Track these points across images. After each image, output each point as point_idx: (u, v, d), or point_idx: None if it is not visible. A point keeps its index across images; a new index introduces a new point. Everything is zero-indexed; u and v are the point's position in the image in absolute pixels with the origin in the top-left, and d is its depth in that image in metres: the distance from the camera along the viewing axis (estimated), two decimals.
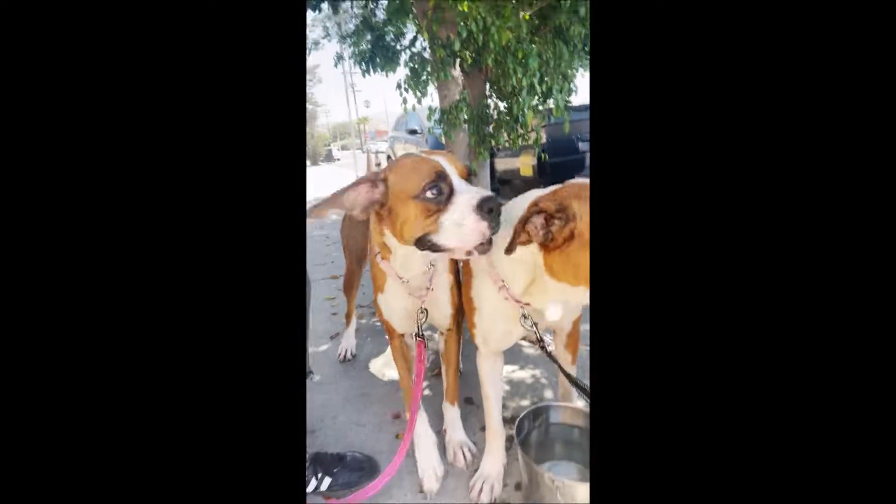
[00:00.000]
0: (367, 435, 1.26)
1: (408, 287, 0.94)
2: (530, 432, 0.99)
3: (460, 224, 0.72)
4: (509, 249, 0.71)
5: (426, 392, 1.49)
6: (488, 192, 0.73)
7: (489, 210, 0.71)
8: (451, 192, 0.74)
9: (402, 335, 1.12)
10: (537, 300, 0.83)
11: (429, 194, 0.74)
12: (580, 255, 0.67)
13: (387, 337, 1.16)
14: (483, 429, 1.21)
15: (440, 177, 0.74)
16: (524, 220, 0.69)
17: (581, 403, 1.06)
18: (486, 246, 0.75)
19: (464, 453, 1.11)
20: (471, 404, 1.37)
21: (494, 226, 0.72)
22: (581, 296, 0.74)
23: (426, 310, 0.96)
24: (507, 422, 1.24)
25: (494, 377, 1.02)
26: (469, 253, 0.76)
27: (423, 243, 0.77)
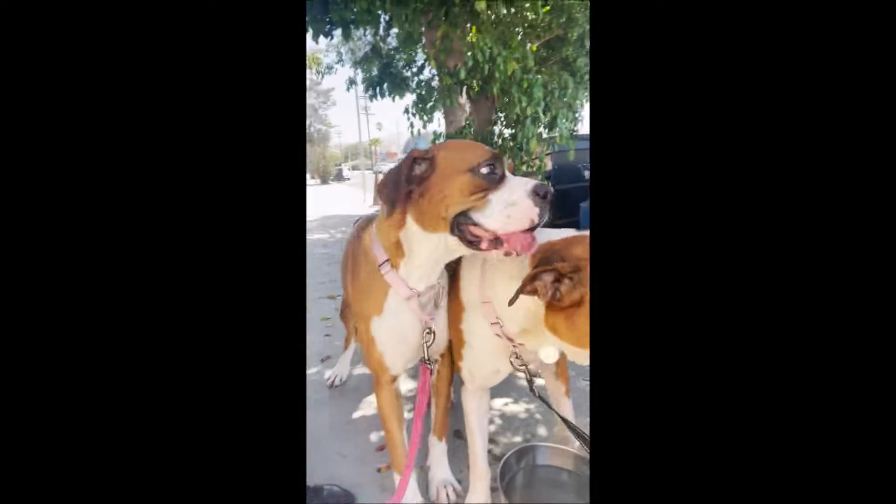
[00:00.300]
0: (348, 467, 1.20)
1: (418, 302, 0.84)
2: (515, 475, 0.93)
3: (512, 203, 0.70)
4: (511, 301, 0.67)
5: (408, 416, 1.43)
6: (541, 181, 0.72)
7: (544, 195, 0.70)
8: (504, 175, 0.74)
9: (395, 378, 0.96)
10: (532, 343, 0.78)
11: (484, 170, 0.72)
12: (586, 321, 0.62)
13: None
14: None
15: (497, 158, 0.74)
16: (532, 276, 0.65)
17: (576, 445, 1.00)
18: (531, 241, 0.71)
19: (447, 493, 1.05)
20: (460, 438, 1.31)
21: (545, 213, 0.71)
22: (581, 357, 0.68)
23: (433, 330, 0.86)
24: (496, 459, 1.18)
25: (480, 414, 0.97)
26: (508, 253, 0.72)
27: (460, 224, 0.73)
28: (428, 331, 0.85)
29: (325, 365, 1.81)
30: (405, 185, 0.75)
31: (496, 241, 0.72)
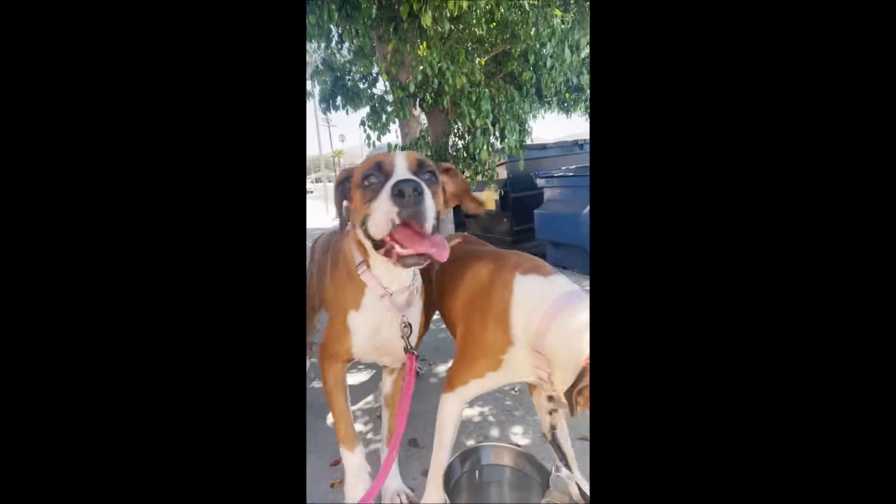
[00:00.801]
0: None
1: (391, 301, 0.91)
2: (460, 477, 0.95)
3: (378, 207, 0.72)
4: (571, 412, 0.68)
5: (359, 428, 1.42)
6: (411, 177, 0.72)
7: (399, 192, 0.69)
8: (385, 180, 0.75)
9: (349, 361, 1.03)
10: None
11: (365, 182, 0.77)
12: None
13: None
14: (425, 473, 1.16)
15: (377, 167, 0.77)
16: (578, 388, 0.66)
17: (516, 443, 1.04)
18: (414, 258, 0.72)
19: (402, 500, 1.06)
20: (414, 447, 1.32)
21: (407, 211, 0.70)
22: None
23: (410, 324, 0.91)
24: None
25: (456, 422, 0.98)
26: (396, 263, 0.74)
27: (364, 232, 0.77)
28: (405, 325, 0.91)
29: None
30: (340, 199, 0.85)
31: (391, 247, 0.74)
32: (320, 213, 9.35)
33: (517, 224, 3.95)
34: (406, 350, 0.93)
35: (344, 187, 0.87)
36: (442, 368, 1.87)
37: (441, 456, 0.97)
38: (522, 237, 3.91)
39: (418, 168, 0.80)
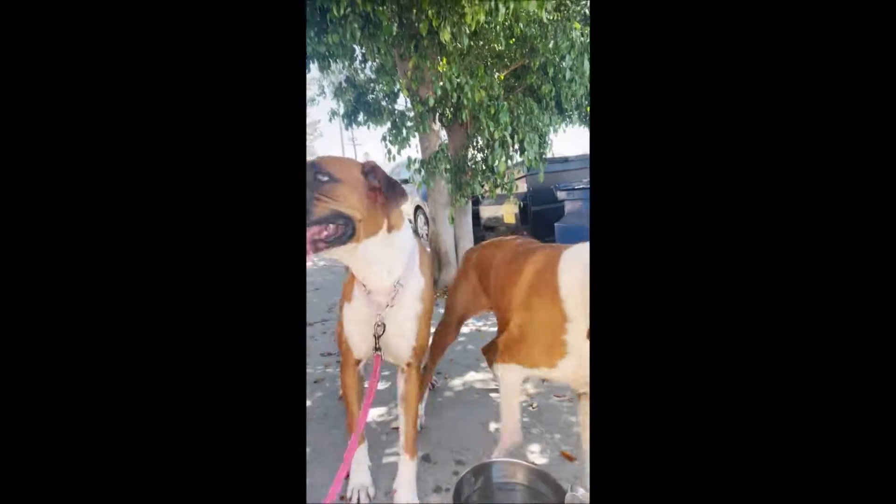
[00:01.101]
0: (312, 496, 1.17)
1: (369, 299, 0.97)
2: (471, 495, 0.92)
3: None
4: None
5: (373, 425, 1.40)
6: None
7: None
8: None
9: (359, 363, 1.10)
10: None
11: None
12: None
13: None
14: (438, 490, 1.13)
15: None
16: None
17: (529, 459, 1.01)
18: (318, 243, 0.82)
19: (359, 498, 1.07)
20: (427, 462, 1.29)
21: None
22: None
23: (384, 324, 0.97)
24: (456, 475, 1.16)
25: (519, 389, 1.06)
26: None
27: None
28: (378, 323, 0.97)
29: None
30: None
31: None
32: None
33: (537, 237, 3.90)
34: (374, 348, 0.99)
35: None
36: (458, 381, 1.84)
37: (511, 423, 1.04)
38: None
39: (308, 169, 0.86)
